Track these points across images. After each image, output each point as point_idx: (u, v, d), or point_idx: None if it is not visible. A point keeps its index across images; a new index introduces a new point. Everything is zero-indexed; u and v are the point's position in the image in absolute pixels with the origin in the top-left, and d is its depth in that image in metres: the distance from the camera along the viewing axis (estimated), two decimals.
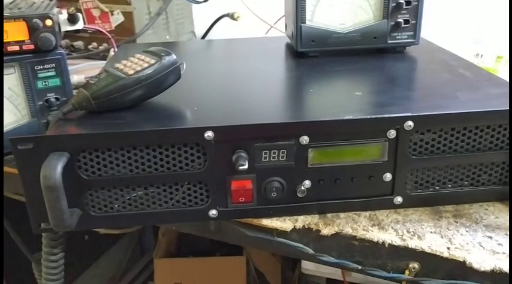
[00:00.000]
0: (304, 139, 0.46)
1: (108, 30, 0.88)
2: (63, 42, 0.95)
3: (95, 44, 0.95)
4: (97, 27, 0.86)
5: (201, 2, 0.95)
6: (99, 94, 0.48)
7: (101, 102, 0.48)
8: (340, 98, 0.53)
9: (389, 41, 0.66)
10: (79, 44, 0.96)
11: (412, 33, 0.66)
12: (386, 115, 0.45)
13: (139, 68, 0.49)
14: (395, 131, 0.46)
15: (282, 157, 0.46)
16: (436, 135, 0.47)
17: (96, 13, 0.93)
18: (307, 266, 1.00)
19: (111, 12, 0.92)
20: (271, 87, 0.58)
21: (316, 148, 0.46)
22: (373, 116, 0.45)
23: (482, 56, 0.85)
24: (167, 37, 0.99)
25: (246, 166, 0.45)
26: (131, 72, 0.48)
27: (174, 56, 0.50)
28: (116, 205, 0.47)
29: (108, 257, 1.24)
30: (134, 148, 0.45)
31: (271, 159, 0.46)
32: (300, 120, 0.46)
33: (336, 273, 0.98)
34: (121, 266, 1.30)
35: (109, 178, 0.45)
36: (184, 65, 0.51)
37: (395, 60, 0.65)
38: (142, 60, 0.50)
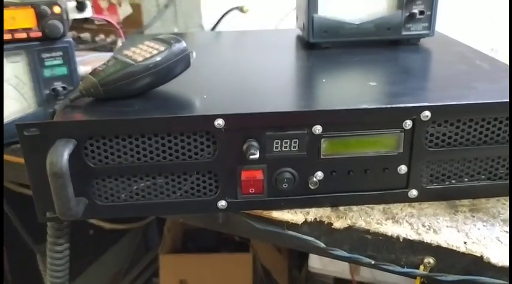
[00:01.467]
0: (317, 129, 0.44)
1: (115, 22, 0.87)
2: (70, 34, 0.94)
3: (102, 36, 0.94)
4: (105, 17, 0.85)
5: None
6: (107, 80, 0.46)
7: (109, 88, 0.47)
8: (354, 88, 0.52)
9: (404, 33, 0.64)
10: (86, 35, 0.95)
11: (426, 24, 0.64)
12: (403, 105, 0.44)
13: (148, 55, 0.48)
14: (411, 121, 0.44)
15: (294, 147, 0.45)
16: (453, 126, 0.45)
17: (104, 5, 0.92)
18: (314, 264, 0.99)
19: (119, 3, 0.91)
20: (282, 76, 0.57)
21: (330, 139, 0.45)
22: (389, 106, 0.44)
23: (497, 51, 0.84)
24: (175, 30, 0.98)
25: (257, 156, 0.43)
26: (140, 59, 0.47)
27: (183, 43, 0.49)
28: (123, 195, 0.46)
29: (113, 253, 1.23)
30: (142, 136, 0.43)
31: (283, 148, 0.45)
32: (313, 109, 0.45)
33: (343, 272, 0.96)
34: (126, 262, 1.29)
35: (116, 167, 0.44)
36: (194, 54, 0.50)
37: (410, 51, 0.63)
38: (152, 47, 0.49)
